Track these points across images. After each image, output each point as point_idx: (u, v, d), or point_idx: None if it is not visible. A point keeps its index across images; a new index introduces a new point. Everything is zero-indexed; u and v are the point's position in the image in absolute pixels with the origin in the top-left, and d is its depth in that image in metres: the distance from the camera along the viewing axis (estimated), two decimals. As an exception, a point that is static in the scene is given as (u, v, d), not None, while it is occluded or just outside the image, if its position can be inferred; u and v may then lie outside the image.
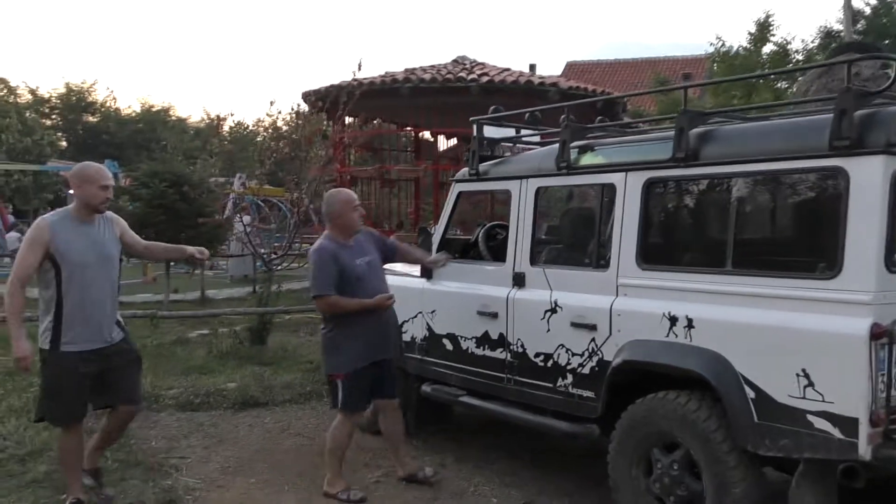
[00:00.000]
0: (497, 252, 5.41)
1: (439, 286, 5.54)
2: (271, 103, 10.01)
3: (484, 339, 5.20)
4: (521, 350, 4.94)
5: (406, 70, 13.64)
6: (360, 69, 9.19)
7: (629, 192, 4.38)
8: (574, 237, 5.12)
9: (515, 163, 5.33)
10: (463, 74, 13.01)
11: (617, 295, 4.39)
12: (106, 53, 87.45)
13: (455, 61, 14.28)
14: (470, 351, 5.31)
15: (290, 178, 8.97)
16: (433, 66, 13.85)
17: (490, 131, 5.58)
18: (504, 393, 5.08)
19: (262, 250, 11.71)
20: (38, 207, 30.15)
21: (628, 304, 4.32)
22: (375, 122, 15.54)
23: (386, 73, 13.64)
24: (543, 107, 5.63)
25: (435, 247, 5.61)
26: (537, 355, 4.82)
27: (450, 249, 5.67)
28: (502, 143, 5.63)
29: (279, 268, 9.95)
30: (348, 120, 14.88)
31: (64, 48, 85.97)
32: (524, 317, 4.92)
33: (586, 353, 4.51)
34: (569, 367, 4.61)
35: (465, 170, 5.61)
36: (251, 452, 5.71)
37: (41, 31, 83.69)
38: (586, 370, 4.52)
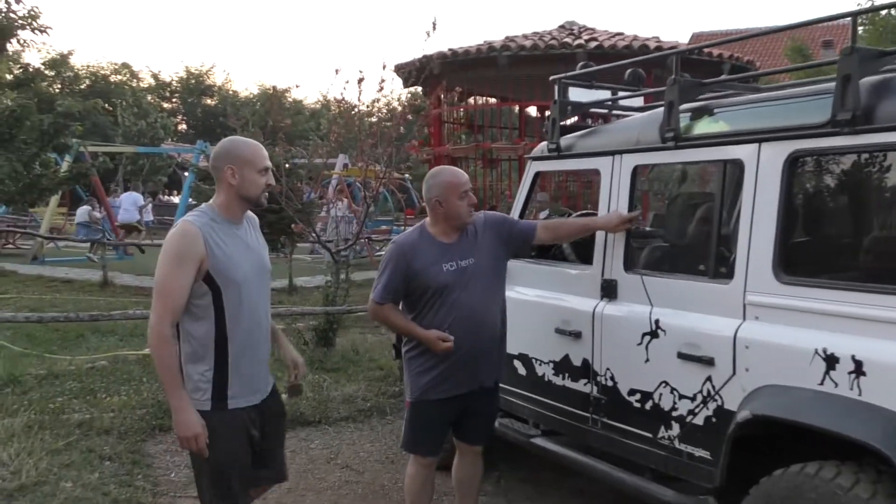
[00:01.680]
0: (583, 251, 4.16)
1: (509, 292, 4.33)
2: (336, 72, 8.77)
3: (564, 365, 3.99)
4: (610, 383, 3.70)
5: (506, 38, 12.37)
6: (434, 29, 7.94)
7: (764, 170, 3.06)
8: (684, 234, 3.82)
9: (607, 134, 4.05)
10: (568, 40, 11.64)
11: (744, 318, 3.09)
12: (225, 39, 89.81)
13: (562, 27, 12.90)
14: (546, 379, 4.11)
15: (360, 156, 7.93)
16: (536, 33, 12.52)
17: (577, 94, 4.32)
18: (589, 438, 3.86)
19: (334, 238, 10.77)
20: (155, 191, 30.53)
21: (761, 333, 3.01)
22: (473, 98, 14.35)
23: (484, 41, 12.41)
24: (646, 56, 4.29)
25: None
26: (632, 393, 3.58)
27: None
28: (593, 110, 4.37)
29: (348, 258, 8.95)
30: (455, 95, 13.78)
31: (185, 33, 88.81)
32: (615, 340, 3.68)
33: (700, 397, 3.24)
34: (675, 414, 3.35)
35: (543, 144, 4.38)
36: (282, 492, 4.69)
37: (165, 17, 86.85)
38: (699, 420, 3.25)
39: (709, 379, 3.20)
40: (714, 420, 3.18)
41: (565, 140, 4.19)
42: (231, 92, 47.82)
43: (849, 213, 3.09)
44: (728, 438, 3.06)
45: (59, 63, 35.94)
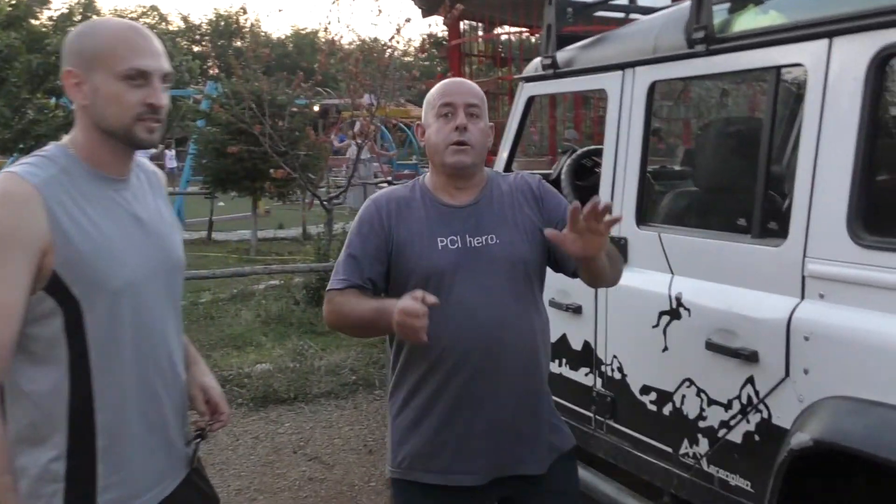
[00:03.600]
0: (585, 197, 3.19)
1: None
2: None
3: (560, 349, 3.07)
4: (618, 376, 2.78)
5: (531, -44, 11.17)
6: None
7: (837, 79, 2.06)
8: (717, 176, 2.83)
9: (616, 42, 3.04)
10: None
11: (803, 296, 2.13)
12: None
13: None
14: (540, 364, 3.20)
15: (354, 89, 7.08)
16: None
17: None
18: (591, 444, 2.96)
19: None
20: (174, 137, 29.73)
21: (828, 318, 2.05)
22: (497, 28, 13.18)
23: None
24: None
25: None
26: (645, 391, 2.66)
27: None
28: (599, 13, 3.36)
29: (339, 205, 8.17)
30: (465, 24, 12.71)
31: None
32: (624, 318, 2.75)
33: (737, 405, 2.31)
34: (702, 425, 2.43)
35: (536, 61, 3.39)
36: (230, 493, 3.90)
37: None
38: (735, 436, 2.32)
39: (750, 381, 2.26)
40: (757, 439, 2.25)
41: (563, 54, 3.20)
42: (262, 34, 46.88)
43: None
44: (778, 469, 2.13)
45: (87, 7, 35.28)
